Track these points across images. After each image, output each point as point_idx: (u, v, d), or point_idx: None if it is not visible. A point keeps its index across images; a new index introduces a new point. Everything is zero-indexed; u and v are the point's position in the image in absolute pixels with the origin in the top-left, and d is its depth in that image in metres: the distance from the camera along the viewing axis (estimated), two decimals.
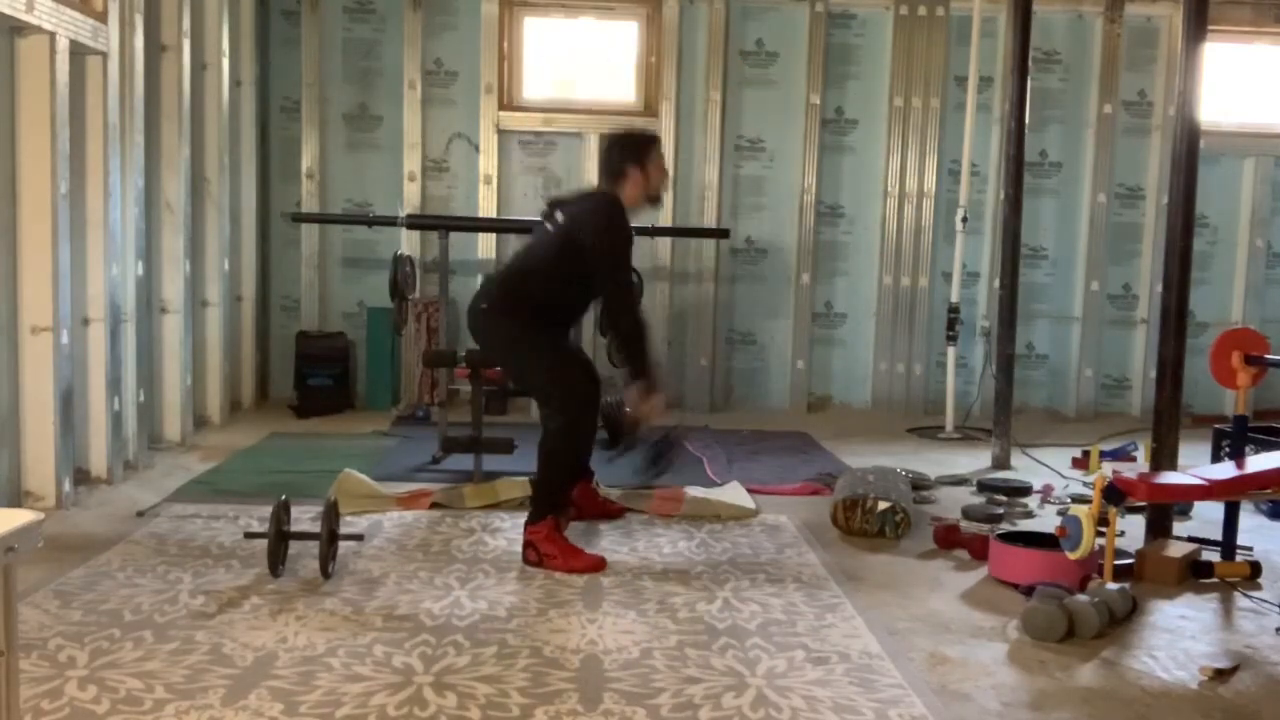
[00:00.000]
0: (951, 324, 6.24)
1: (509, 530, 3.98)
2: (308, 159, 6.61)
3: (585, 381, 3.82)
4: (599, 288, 3.76)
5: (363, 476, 4.48)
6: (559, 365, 3.81)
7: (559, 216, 3.85)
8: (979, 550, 3.79)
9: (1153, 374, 4.44)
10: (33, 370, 4.05)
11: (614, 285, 3.74)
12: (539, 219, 4.05)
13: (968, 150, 6.28)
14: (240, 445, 5.35)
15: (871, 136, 6.81)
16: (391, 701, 2.55)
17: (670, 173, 3.91)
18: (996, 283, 6.05)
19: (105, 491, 4.40)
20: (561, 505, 3.78)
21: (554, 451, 3.73)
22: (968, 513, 4.30)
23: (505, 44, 6.65)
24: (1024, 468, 5.35)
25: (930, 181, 6.78)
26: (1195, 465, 3.99)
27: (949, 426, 6.25)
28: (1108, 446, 5.23)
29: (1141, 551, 3.71)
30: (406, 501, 4.30)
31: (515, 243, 6.65)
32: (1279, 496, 3.97)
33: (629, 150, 3.84)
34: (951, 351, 6.29)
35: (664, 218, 6.61)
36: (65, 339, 4.14)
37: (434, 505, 4.28)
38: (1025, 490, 4.74)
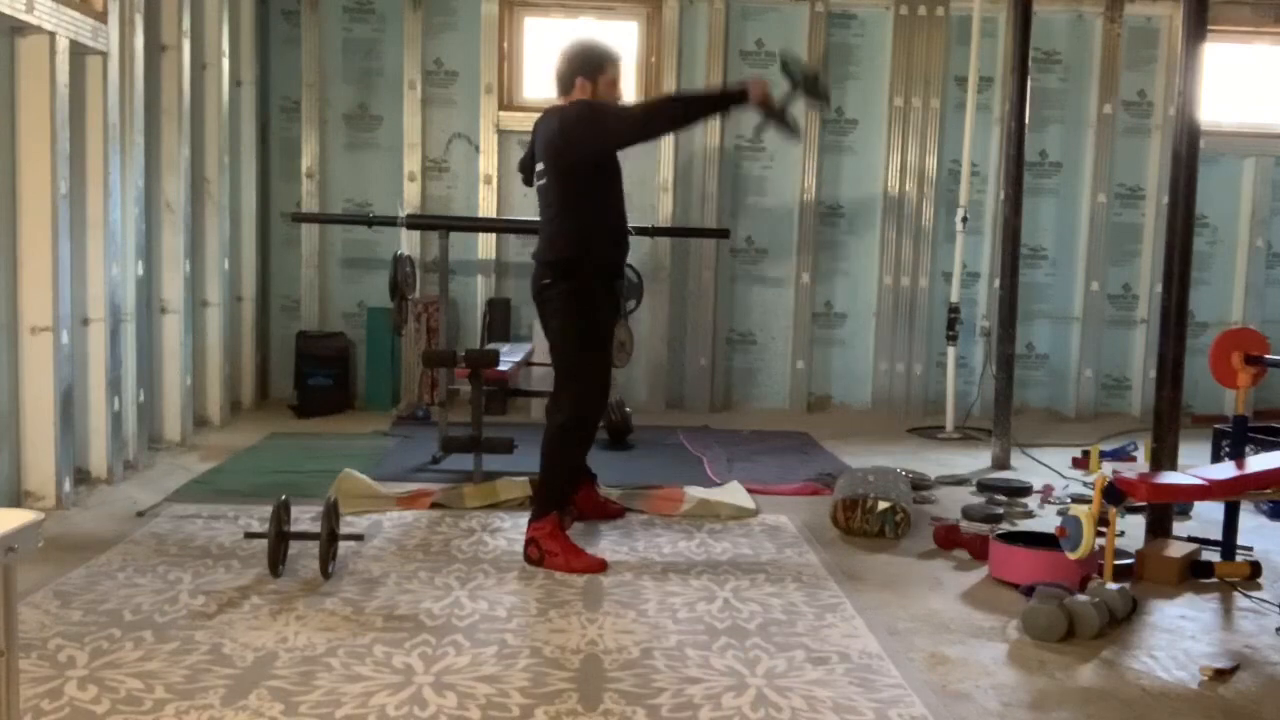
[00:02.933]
0: (951, 324, 6.25)
1: (509, 530, 3.98)
2: (308, 159, 6.61)
3: (601, 383, 3.81)
4: (614, 146, 3.66)
5: (363, 476, 4.48)
6: (589, 359, 3.74)
7: (539, 167, 3.82)
8: (979, 550, 3.79)
9: (1153, 374, 4.44)
10: (33, 370, 4.05)
11: (619, 137, 3.67)
12: (537, 182, 3.92)
13: (968, 150, 6.28)
14: (240, 445, 5.35)
15: (871, 136, 6.80)
16: (391, 701, 2.55)
17: (623, 95, 3.80)
18: (996, 283, 6.05)
19: (105, 491, 4.39)
20: (564, 502, 3.78)
21: (557, 448, 3.73)
22: (968, 513, 4.30)
23: (505, 44, 6.66)
24: (1024, 468, 5.35)
25: (930, 182, 6.78)
26: (1195, 465, 3.99)
27: (949, 426, 6.25)
28: (1108, 446, 5.19)
29: (1141, 551, 3.71)
30: (406, 501, 4.30)
31: (515, 243, 6.68)
32: (1279, 496, 3.97)
33: (578, 62, 3.77)
34: (951, 351, 6.29)
35: (664, 218, 6.62)
36: (65, 339, 4.14)
37: (434, 505, 4.28)
38: (1025, 490, 4.74)
